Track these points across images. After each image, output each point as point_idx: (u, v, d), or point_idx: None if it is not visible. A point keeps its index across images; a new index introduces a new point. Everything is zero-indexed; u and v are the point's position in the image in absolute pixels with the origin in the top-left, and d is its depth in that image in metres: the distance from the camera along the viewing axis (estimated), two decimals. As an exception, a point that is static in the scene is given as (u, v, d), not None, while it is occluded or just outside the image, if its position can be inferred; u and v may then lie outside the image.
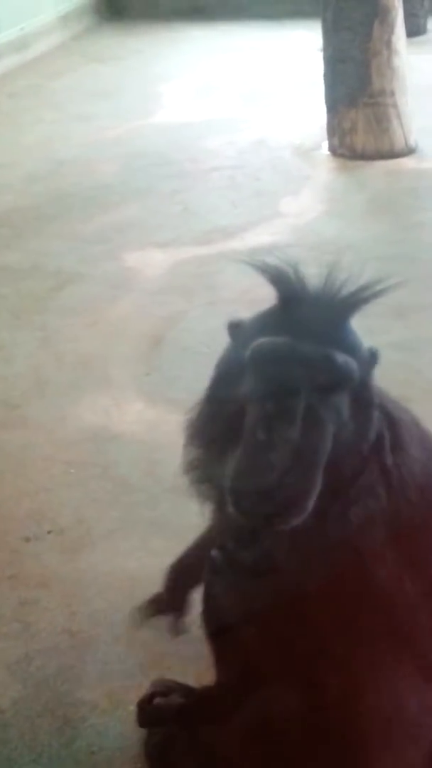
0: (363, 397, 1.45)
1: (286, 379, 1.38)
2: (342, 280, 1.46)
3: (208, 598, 1.71)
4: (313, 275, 1.47)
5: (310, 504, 1.37)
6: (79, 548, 2.49)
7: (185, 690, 1.94)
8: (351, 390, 1.42)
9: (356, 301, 1.46)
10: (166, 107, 6.42)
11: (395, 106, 5.20)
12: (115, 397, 3.16)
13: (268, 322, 1.48)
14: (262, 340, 1.42)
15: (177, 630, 2.02)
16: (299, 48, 7.42)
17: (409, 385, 2.91)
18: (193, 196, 4.90)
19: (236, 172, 5.18)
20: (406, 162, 5.19)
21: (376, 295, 1.46)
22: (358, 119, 5.22)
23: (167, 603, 2.03)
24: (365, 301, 1.46)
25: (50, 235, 4.53)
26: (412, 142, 5.29)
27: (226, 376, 1.50)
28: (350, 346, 1.44)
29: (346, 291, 1.45)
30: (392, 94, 5.18)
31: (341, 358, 1.40)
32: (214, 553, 1.64)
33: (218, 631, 1.71)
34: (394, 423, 1.52)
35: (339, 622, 1.47)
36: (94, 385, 3.25)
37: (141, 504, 2.65)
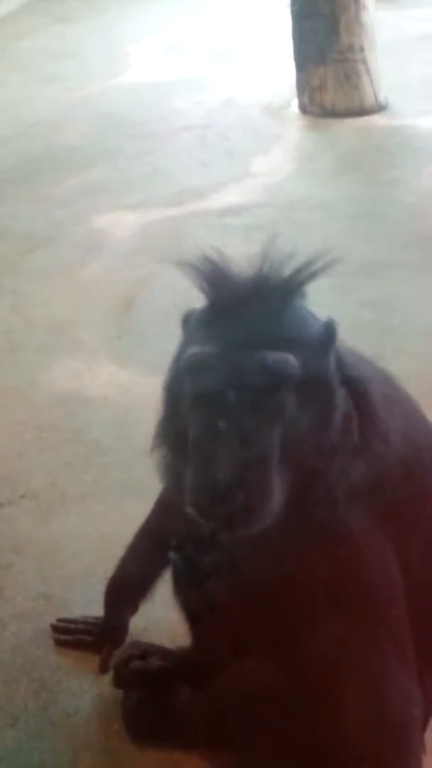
0: (317, 384, 1.39)
1: (219, 388, 1.34)
2: (276, 265, 1.40)
3: (177, 584, 1.71)
4: (246, 266, 1.41)
5: (272, 507, 1.35)
6: (53, 512, 2.48)
7: (162, 652, 1.94)
8: (298, 384, 1.36)
9: (292, 287, 1.41)
10: (134, 67, 6.32)
11: (364, 62, 5.14)
12: (86, 361, 3.14)
13: (205, 322, 1.43)
14: (192, 351, 1.38)
15: (104, 666, 2.00)
16: (267, 5, 7.31)
17: (381, 345, 2.90)
18: (162, 156, 4.84)
19: (206, 131, 5.12)
20: (377, 119, 5.13)
21: (312, 276, 1.41)
22: (327, 76, 5.16)
23: (106, 627, 2.03)
24: (301, 285, 1.41)
25: (19, 198, 4.47)
26: (382, 98, 5.24)
27: (175, 379, 1.46)
28: (292, 338, 1.38)
29: (279, 279, 1.40)
30: (361, 50, 5.11)
31: (274, 358, 1.34)
32: (172, 555, 1.65)
33: (192, 609, 1.72)
34: (363, 397, 1.46)
35: (319, 593, 1.46)
36: (66, 348, 3.23)
37: (114, 466, 2.64)
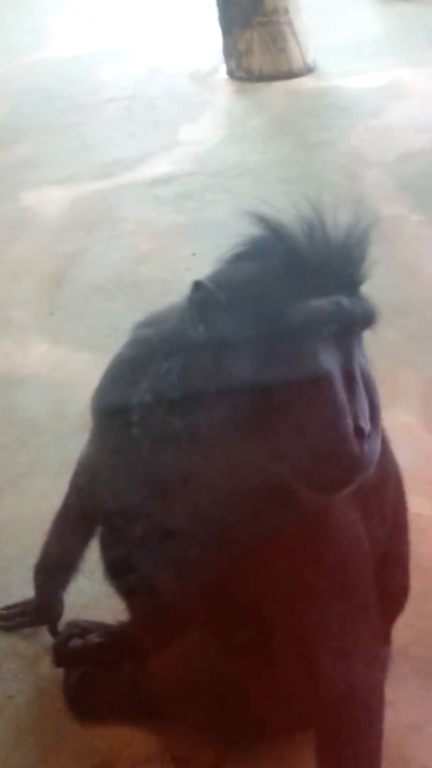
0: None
1: (346, 337, 1.32)
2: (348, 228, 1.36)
3: (106, 559, 1.69)
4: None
5: None
6: (-11, 496, 2.43)
7: (101, 628, 1.92)
8: None
9: (365, 236, 1.37)
10: (56, 40, 6.19)
11: (290, 24, 5.10)
12: (18, 340, 3.08)
13: (292, 277, 1.31)
14: (316, 302, 1.29)
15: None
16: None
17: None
18: (89, 129, 4.77)
19: (133, 102, 5.05)
20: (305, 81, 5.11)
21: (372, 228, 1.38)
22: (254, 40, 5.11)
23: (40, 604, 1.99)
24: (370, 235, 1.38)
25: None
26: (310, 60, 5.21)
27: (242, 356, 1.30)
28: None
29: (349, 229, 1.36)
30: (286, 12, 5.07)
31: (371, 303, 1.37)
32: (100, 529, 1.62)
33: (123, 584, 1.69)
34: None
35: (286, 563, 1.43)
36: (-4, 328, 3.17)
37: (50, 445, 2.60)
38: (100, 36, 6.17)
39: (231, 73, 5.25)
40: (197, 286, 1.33)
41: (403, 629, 1.85)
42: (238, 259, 1.38)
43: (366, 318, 1.35)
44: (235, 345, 1.30)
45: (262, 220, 1.34)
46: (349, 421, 1.26)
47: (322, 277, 1.31)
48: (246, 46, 5.14)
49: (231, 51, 5.21)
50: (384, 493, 1.59)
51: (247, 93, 5.06)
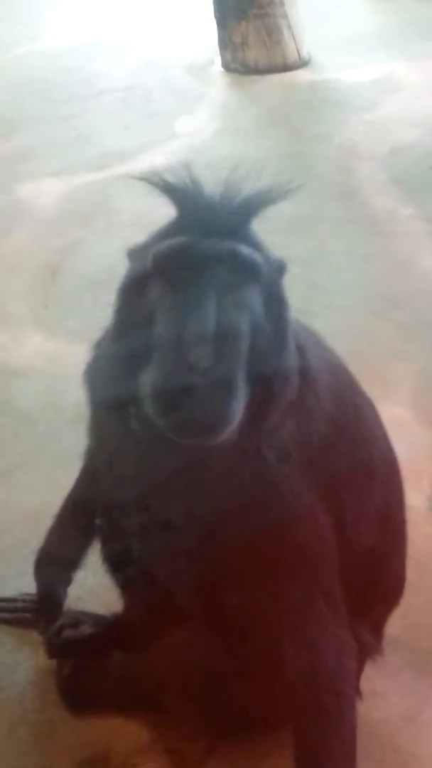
0: (275, 298, 1.39)
1: (194, 275, 1.31)
2: (239, 186, 1.38)
3: (105, 550, 1.70)
4: (210, 184, 1.40)
5: (234, 415, 1.28)
6: (-17, 487, 2.44)
7: (94, 619, 1.92)
8: (262, 288, 1.36)
9: (256, 203, 1.38)
10: (52, 31, 6.16)
11: (285, 17, 5.09)
12: (12, 332, 3.09)
13: (168, 231, 1.40)
14: (163, 244, 1.35)
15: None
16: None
17: (308, 300, 2.89)
18: (84, 121, 4.76)
19: (128, 93, 5.04)
20: (300, 75, 5.10)
21: (275, 198, 1.40)
22: (249, 32, 5.10)
23: (41, 603, 1.97)
24: (265, 204, 1.39)
25: None
26: (305, 54, 5.20)
27: (128, 296, 1.41)
28: (256, 245, 1.38)
29: (244, 195, 1.38)
30: (281, 4, 5.05)
31: (246, 250, 1.34)
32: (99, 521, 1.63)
33: (121, 575, 1.70)
34: (301, 351, 1.45)
35: (250, 552, 1.45)
36: (-9, 320, 3.17)
37: (44, 437, 2.60)
38: (95, 27, 6.14)
39: (226, 66, 5.24)
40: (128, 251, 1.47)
41: (395, 620, 1.86)
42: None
43: (214, 258, 1.32)
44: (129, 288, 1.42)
45: (165, 181, 1.41)
46: (174, 354, 1.26)
47: (194, 224, 1.36)
48: (241, 39, 5.13)
49: (226, 43, 5.20)
50: (370, 484, 1.59)
51: (242, 86, 5.05)
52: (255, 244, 1.38)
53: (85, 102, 4.98)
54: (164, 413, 1.28)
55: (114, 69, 5.38)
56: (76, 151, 4.43)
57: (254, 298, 1.35)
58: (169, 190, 1.40)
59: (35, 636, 1.98)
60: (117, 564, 1.69)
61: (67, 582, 1.96)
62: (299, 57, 5.17)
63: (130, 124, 4.70)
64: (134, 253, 1.47)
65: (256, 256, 1.35)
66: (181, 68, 5.32)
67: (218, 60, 5.29)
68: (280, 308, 1.40)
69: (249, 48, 5.14)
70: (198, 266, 1.32)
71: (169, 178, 1.40)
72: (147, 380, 1.29)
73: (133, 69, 5.37)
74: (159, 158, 4.24)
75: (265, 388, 1.35)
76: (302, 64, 5.18)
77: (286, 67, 5.13)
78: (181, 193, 1.40)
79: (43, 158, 4.37)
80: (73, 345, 2.89)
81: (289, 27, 5.12)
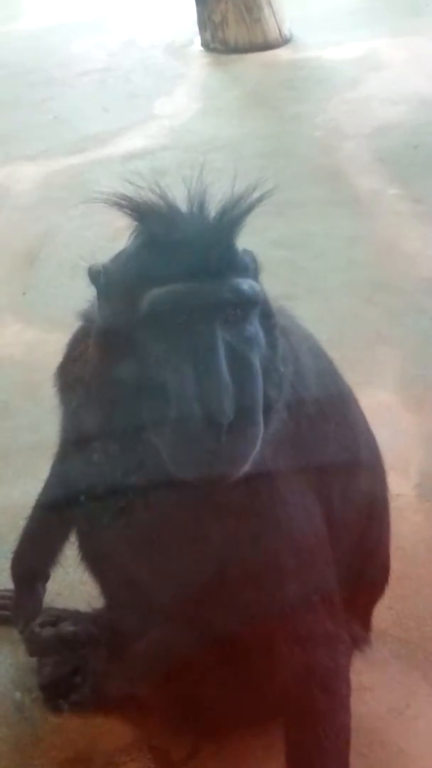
0: (266, 313, 1.32)
1: (196, 320, 1.23)
2: (210, 194, 1.28)
3: (83, 544, 1.66)
4: (178, 197, 1.30)
5: (258, 445, 1.25)
6: (-39, 481, 2.39)
7: (74, 616, 1.90)
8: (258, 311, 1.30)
9: (236, 219, 1.28)
10: (28, 12, 6.09)
11: (265, -6, 5.03)
12: (-10, 320, 3.03)
13: (147, 264, 1.29)
14: (158, 291, 1.24)
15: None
16: None
17: (293, 284, 2.84)
18: (62, 103, 4.70)
19: (107, 75, 4.98)
20: (281, 53, 5.05)
21: (253, 205, 1.29)
22: (228, 11, 5.03)
23: (19, 600, 1.92)
24: (244, 215, 1.29)
25: None
26: (285, 31, 5.14)
27: (112, 340, 1.30)
28: (242, 265, 1.29)
29: (221, 208, 1.28)
30: (261, -20, 5.00)
31: (246, 284, 1.26)
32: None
33: (100, 568, 1.66)
34: (286, 333, 1.40)
35: (244, 546, 1.41)
36: (-32, 309, 3.11)
37: (23, 428, 2.55)
38: (72, 7, 6.06)
39: (206, 45, 5.17)
40: (88, 271, 1.35)
41: (382, 612, 1.83)
42: (134, 239, 1.34)
43: (218, 304, 1.25)
44: (106, 331, 1.32)
45: (132, 204, 1.29)
46: (195, 411, 1.21)
47: (183, 263, 1.25)
48: (221, 17, 5.06)
49: (205, 22, 5.13)
50: (356, 470, 1.56)
51: (223, 65, 4.99)
52: (241, 261, 1.30)
53: (63, 84, 4.93)
54: (189, 468, 1.25)
55: (92, 50, 5.33)
56: (54, 134, 4.37)
57: (255, 324, 1.29)
58: (137, 213, 1.30)
59: (15, 633, 1.93)
60: (95, 559, 1.65)
61: (45, 578, 1.91)
62: (280, 35, 5.11)
63: (109, 106, 4.64)
64: (99, 280, 1.36)
65: (254, 285, 1.28)
66: (160, 48, 5.26)
67: (198, 39, 5.23)
68: (269, 311, 1.34)
69: (228, 26, 5.08)
70: (200, 311, 1.24)
71: (142, 206, 1.29)
72: (165, 437, 1.25)
73: (112, 50, 5.31)
74: (138, 141, 4.19)
75: (269, 403, 1.30)
76: (283, 41, 5.12)
77: (267, 46, 5.07)
78: (152, 217, 1.29)
79: (19, 142, 4.32)
80: (53, 334, 2.82)
81: (270, 4, 5.06)
